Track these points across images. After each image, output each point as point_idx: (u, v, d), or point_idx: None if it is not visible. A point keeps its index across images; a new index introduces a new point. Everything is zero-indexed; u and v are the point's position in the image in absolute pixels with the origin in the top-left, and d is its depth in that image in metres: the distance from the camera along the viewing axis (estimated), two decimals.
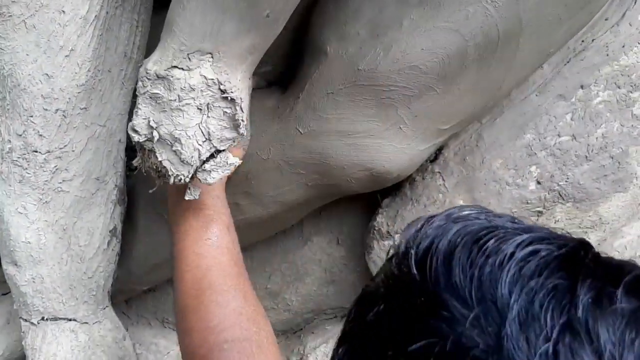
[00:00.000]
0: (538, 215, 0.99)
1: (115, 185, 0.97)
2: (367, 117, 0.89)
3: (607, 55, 0.95)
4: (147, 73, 0.72)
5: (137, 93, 0.74)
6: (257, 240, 1.15)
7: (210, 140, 0.77)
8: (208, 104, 0.75)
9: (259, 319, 0.77)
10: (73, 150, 0.90)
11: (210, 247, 0.82)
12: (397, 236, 0.99)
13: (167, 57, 0.72)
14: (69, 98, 0.86)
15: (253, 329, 0.75)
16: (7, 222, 0.93)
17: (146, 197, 1.05)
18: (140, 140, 0.76)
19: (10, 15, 0.82)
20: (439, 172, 1.01)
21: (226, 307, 0.76)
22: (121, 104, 0.92)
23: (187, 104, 0.74)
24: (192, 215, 0.84)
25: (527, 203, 0.98)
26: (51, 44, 0.84)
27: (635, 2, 0.95)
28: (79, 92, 0.86)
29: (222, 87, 0.74)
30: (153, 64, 0.72)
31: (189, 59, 0.72)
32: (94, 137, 0.91)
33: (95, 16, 0.84)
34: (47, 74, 0.85)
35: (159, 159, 0.77)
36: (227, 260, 0.82)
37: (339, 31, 0.88)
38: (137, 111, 0.74)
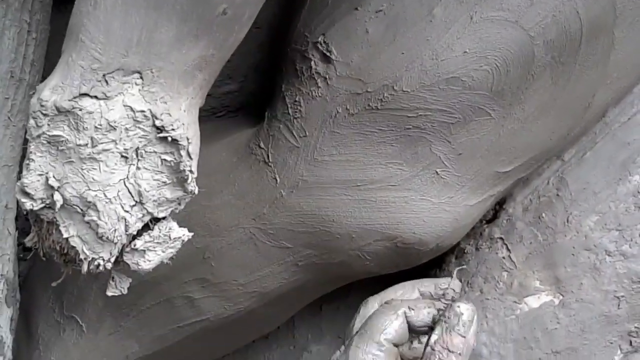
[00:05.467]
0: None
1: (1, 275, 0.98)
2: (384, 158, 0.90)
3: None
4: (42, 106, 0.73)
5: (28, 136, 0.75)
6: (224, 353, 1.14)
7: (142, 203, 0.77)
8: (137, 148, 0.75)
9: None
10: None
11: None
12: None
13: (72, 81, 0.72)
14: None
15: None
16: None
17: (49, 294, 1.06)
18: (35, 208, 0.76)
19: None
20: (500, 239, 1.01)
21: None
22: (6, 150, 0.93)
23: (105, 149, 0.74)
24: None
25: None
26: None
27: None
28: None
29: (157, 122, 0.75)
30: (51, 92, 0.73)
31: (107, 81, 0.73)
32: None
33: None
34: None
35: (65, 235, 0.77)
36: None
37: (338, 29, 0.89)
38: (28, 164, 0.75)
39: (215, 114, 1.05)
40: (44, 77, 0.94)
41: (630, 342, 1.01)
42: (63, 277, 0.84)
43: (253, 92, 1.05)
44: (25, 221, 1.02)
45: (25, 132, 0.80)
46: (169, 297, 1.02)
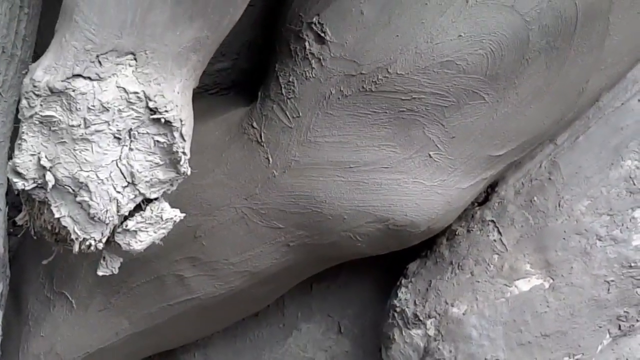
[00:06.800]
0: None
1: None
2: (378, 140, 0.91)
3: None
4: (35, 86, 0.72)
5: (20, 116, 0.75)
6: (213, 331, 1.15)
7: (134, 184, 0.77)
8: (130, 129, 0.75)
9: None
10: None
11: None
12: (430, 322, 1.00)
13: (65, 62, 0.72)
14: None
15: None
16: None
17: (39, 270, 1.06)
18: (27, 188, 0.76)
19: None
20: (492, 221, 1.02)
21: None
22: None
23: (97, 130, 0.74)
24: None
25: (631, 267, 0.99)
26: None
27: None
28: None
29: (151, 103, 0.75)
30: (44, 73, 0.73)
31: (100, 62, 0.73)
32: None
33: None
34: None
35: (56, 215, 0.77)
36: None
37: (332, 10, 0.89)
38: (20, 144, 0.75)
39: (208, 91, 1.05)
40: (35, 52, 0.93)
41: (619, 326, 1.02)
42: (54, 255, 0.85)
43: (246, 70, 1.05)
44: (15, 196, 1.02)
45: (17, 111, 0.80)
46: (160, 275, 1.02)
